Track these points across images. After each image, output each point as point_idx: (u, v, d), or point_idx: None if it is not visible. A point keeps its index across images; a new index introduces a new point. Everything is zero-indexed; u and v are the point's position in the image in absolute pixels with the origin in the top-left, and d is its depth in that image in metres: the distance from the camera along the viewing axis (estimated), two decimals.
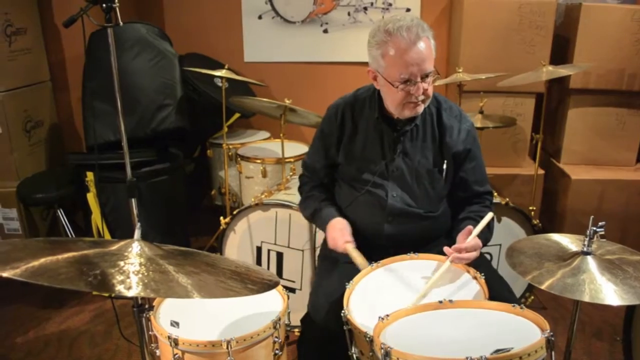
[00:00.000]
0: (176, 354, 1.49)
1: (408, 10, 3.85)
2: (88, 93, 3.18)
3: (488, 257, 2.61)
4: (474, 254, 1.66)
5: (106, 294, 3.08)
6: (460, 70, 2.94)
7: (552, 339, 1.09)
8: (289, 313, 1.70)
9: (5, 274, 0.90)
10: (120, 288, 0.95)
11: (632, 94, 3.45)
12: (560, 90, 3.62)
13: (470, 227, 1.70)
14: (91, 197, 3.04)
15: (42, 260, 0.97)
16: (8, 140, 3.18)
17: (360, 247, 1.83)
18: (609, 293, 1.29)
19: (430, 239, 1.87)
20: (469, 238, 1.67)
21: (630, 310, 2.20)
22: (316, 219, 1.98)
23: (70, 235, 3.14)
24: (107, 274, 0.98)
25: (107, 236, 3.06)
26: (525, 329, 1.17)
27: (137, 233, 1.13)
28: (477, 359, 1.00)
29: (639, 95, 3.45)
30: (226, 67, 3.06)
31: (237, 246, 2.66)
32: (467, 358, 1.00)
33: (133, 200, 2.04)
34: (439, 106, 1.87)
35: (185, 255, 1.16)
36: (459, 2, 3.53)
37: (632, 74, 3.39)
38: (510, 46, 3.36)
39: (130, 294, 0.94)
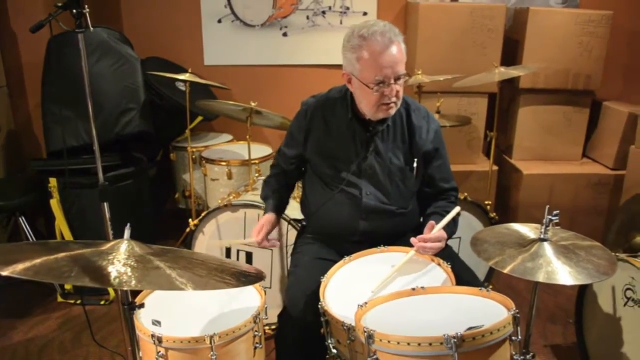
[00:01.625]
0: (159, 351, 1.53)
1: (365, 13, 3.97)
2: (48, 99, 3.15)
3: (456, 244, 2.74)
4: (438, 245, 1.77)
5: (72, 301, 3.06)
6: (420, 72, 3.06)
7: (518, 315, 1.20)
8: (265, 308, 1.76)
9: (5, 273, 0.93)
10: (123, 283, 0.99)
11: (577, 93, 3.66)
12: (511, 90, 3.81)
13: (432, 222, 1.82)
14: (54, 203, 3.01)
15: (42, 259, 1.00)
16: None
17: (335, 242, 1.94)
18: (564, 274, 1.41)
19: (401, 233, 1.96)
20: (434, 230, 1.77)
21: (581, 293, 2.36)
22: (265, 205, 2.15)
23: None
24: (104, 269, 1.02)
25: (70, 238, 3.03)
26: (493, 309, 1.28)
27: (126, 233, 1.17)
28: (453, 336, 1.10)
29: (583, 93, 3.67)
30: (189, 70, 3.09)
31: (206, 248, 2.69)
32: (444, 335, 1.10)
33: (105, 204, 2.06)
34: (408, 107, 1.97)
35: (174, 253, 1.21)
36: (414, 7, 3.67)
37: (576, 74, 3.60)
38: (463, 49, 3.51)
39: (130, 286, 0.99)
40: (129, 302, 1.21)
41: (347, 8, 3.94)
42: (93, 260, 1.04)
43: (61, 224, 3.04)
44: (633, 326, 2.07)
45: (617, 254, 2.15)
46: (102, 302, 3.06)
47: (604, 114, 3.79)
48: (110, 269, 1.03)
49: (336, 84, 2.06)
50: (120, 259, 1.08)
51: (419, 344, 1.14)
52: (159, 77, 3.27)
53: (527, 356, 1.64)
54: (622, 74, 3.94)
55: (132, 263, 1.07)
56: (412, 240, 1.78)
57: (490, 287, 2.96)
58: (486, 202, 3.25)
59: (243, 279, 1.19)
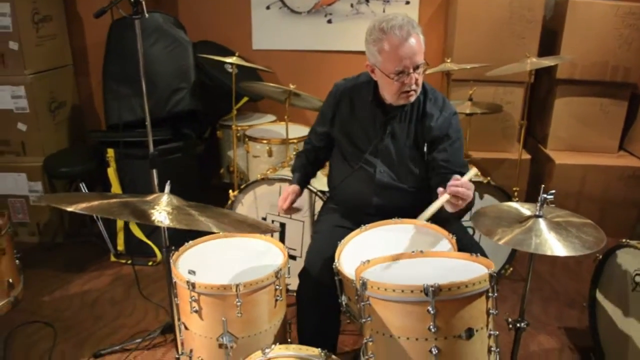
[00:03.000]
0: (193, 296, 1.77)
1: (407, 2, 4.08)
2: (108, 77, 3.46)
3: (470, 231, 2.87)
4: (469, 192, 1.74)
5: (123, 261, 3.38)
6: (449, 61, 3.18)
7: (494, 274, 1.36)
8: (289, 268, 1.97)
9: (70, 209, 1.18)
10: (158, 219, 1.23)
11: (614, 85, 3.69)
12: (548, 80, 3.86)
13: (457, 175, 1.79)
14: (111, 172, 3.32)
15: (98, 202, 1.25)
16: (35, 119, 3.46)
17: (353, 214, 2.13)
18: (555, 246, 1.56)
19: (412, 209, 2.11)
20: (464, 178, 1.77)
21: (595, 278, 2.46)
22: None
23: None
24: (147, 211, 1.27)
25: None
26: (478, 271, 1.44)
27: (167, 188, 1.41)
28: (431, 285, 1.28)
29: (622, 86, 3.69)
30: (237, 54, 3.32)
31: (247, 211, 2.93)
32: (424, 284, 1.28)
33: (154, 170, 2.32)
34: (425, 95, 2.11)
35: (205, 207, 1.44)
36: None
37: (614, 66, 3.63)
38: (501, 39, 3.59)
39: (166, 224, 1.23)
40: (167, 246, 1.45)
41: None
42: (139, 205, 1.29)
43: (116, 191, 3.35)
44: (638, 311, 2.16)
45: (627, 240, 2.26)
46: (150, 264, 3.36)
47: None
48: (152, 211, 1.28)
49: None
50: (160, 206, 1.32)
51: (402, 291, 1.32)
52: (208, 60, 3.52)
53: (522, 324, 1.80)
54: None
55: (170, 209, 1.30)
56: (441, 189, 1.77)
57: (511, 269, 3.12)
58: (514, 189, 3.36)
59: (256, 228, 1.41)
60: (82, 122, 4.02)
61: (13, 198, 3.54)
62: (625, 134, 3.88)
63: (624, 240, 2.28)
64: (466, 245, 1.91)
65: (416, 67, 1.95)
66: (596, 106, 3.77)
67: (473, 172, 1.91)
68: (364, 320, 1.43)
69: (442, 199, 1.72)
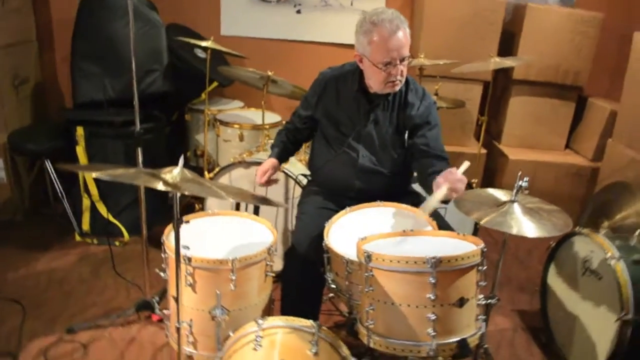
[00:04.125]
0: (188, 270, 1.83)
1: None
2: (77, 55, 3.40)
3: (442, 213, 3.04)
4: (463, 185, 1.83)
5: (89, 240, 3.36)
6: (422, 56, 3.34)
7: (485, 250, 1.52)
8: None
9: (95, 175, 1.24)
10: (176, 186, 1.33)
11: (565, 87, 3.96)
12: (504, 79, 4.10)
13: (452, 168, 1.90)
14: (80, 150, 3.28)
15: (120, 171, 1.31)
16: None
17: (335, 196, 2.24)
18: (528, 228, 1.73)
19: (392, 193, 2.25)
20: (458, 171, 1.87)
21: (547, 264, 2.68)
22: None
23: (57, 187, 3.38)
24: (167, 179, 1.36)
25: (93, 188, 3.31)
26: (467, 247, 1.59)
27: (181, 161, 1.47)
28: (432, 257, 1.41)
29: (571, 88, 3.97)
30: (212, 38, 3.35)
31: (218, 200, 2.98)
32: (426, 256, 1.42)
33: (139, 149, 2.35)
34: (407, 86, 2.25)
35: (212, 182, 1.52)
36: None
37: (566, 70, 3.90)
38: (464, 38, 3.79)
39: (182, 190, 1.35)
40: (179, 217, 1.51)
41: None
42: (156, 174, 1.37)
43: (89, 179, 3.30)
44: (586, 294, 2.38)
45: (580, 229, 2.47)
46: (117, 243, 3.35)
47: (588, 109, 4.09)
48: (167, 177, 1.38)
49: (344, 61, 2.36)
50: (174, 176, 1.41)
51: (407, 262, 1.45)
52: (180, 43, 3.52)
53: (493, 300, 1.97)
54: (608, 73, 4.21)
55: (182, 178, 1.40)
56: (439, 181, 1.85)
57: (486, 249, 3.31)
58: (472, 180, 3.56)
59: (255, 199, 1.54)
60: (44, 99, 3.92)
61: None
62: (571, 134, 4.17)
63: (577, 228, 2.50)
64: (442, 227, 2.06)
65: (402, 59, 2.08)
66: (547, 106, 4.04)
67: (466, 164, 1.97)
68: (366, 290, 1.55)
69: (442, 191, 1.81)
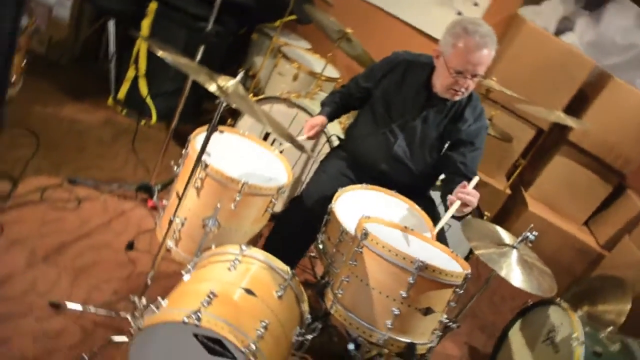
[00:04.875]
0: (201, 174, 1.91)
1: (475, 4, 4.14)
2: None
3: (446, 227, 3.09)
4: (475, 200, 1.93)
5: (119, 109, 3.44)
6: (494, 79, 3.32)
7: (469, 276, 1.58)
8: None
9: (159, 54, 1.30)
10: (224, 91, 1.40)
11: (610, 169, 3.94)
12: (558, 135, 4.07)
13: (464, 182, 2.00)
14: (145, 24, 3.33)
15: (184, 60, 1.37)
16: None
17: (357, 168, 2.31)
18: (516, 276, 1.78)
19: (411, 190, 2.29)
20: (469, 185, 1.98)
21: (514, 319, 2.73)
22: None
23: (111, 48, 3.44)
24: (221, 85, 1.42)
25: (143, 63, 3.38)
26: (455, 266, 1.66)
27: (240, 75, 1.53)
28: (422, 261, 1.48)
29: (616, 172, 3.96)
30: None
31: (251, 124, 3.04)
32: (416, 257, 1.48)
33: (202, 47, 2.40)
34: (468, 100, 2.26)
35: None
36: (520, 21, 3.89)
37: (619, 153, 3.86)
38: (541, 79, 3.76)
39: (228, 101, 1.44)
40: (214, 124, 1.57)
41: None
42: (214, 76, 1.44)
43: (142, 43, 3.37)
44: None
45: (561, 300, 2.52)
46: (143, 123, 3.44)
47: (622, 198, 4.07)
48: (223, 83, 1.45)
49: (419, 51, 2.37)
50: (229, 85, 1.47)
51: (397, 255, 1.52)
52: None
53: (454, 324, 2.03)
54: None
55: (235, 91, 1.46)
56: (452, 198, 1.95)
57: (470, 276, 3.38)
58: (485, 212, 3.59)
59: (288, 138, 1.65)
60: None
61: (39, 5, 3.49)
62: (595, 213, 4.16)
63: (558, 298, 2.55)
64: (439, 239, 2.11)
65: (474, 75, 2.09)
66: (585, 178, 4.02)
67: (476, 179, 2.06)
68: (350, 262, 1.62)
69: (454, 207, 1.90)
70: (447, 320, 1.75)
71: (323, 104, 2.50)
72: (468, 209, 1.91)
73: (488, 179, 4.03)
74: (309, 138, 2.37)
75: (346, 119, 3.11)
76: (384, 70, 2.33)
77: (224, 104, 1.52)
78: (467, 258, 3.29)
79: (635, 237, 3.51)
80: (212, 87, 1.42)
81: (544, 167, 4.09)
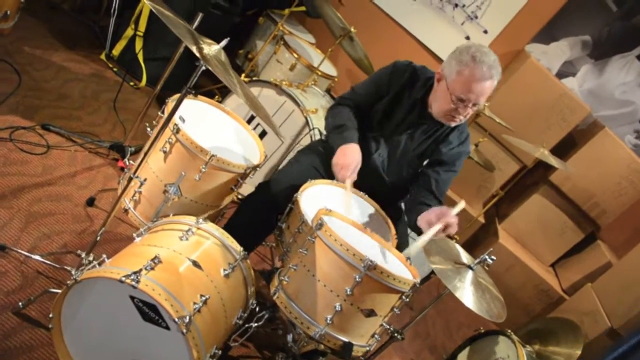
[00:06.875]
0: (171, 138, 1.87)
1: (485, 32, 4.14)
2: None
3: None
4: (456, 227, 1.90)
5: (111, 65, 3.39)
6: (487, 104, 3.32)
7: (417, 286, 1.55)
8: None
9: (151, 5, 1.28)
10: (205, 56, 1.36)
11: (585, 216, 3.94)
12: (540, 174, 4.07)
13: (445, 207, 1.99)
14: None
15: (172, 16, 1.34)
16: None
17: (330, 167, 2.19)
18: (467, 296, 1.76)
19: (382, 198, 2.25)
20: (452, 212, 1.93)
21: (468, 342, 2.72)
22: (338, 131, 2.16)
23: (114, 3, 3.38)
24: (203, 48, 1.39)
25: (144, 24, 3.33)
26: (405, 273, 1.63)
27: (224, 42, 1.50)
28: (371, 260, 1.45)
29: (590, 221, 3.95)
30: None
31: (237, 104, 3.00)
32: (367, 255, 1.46)
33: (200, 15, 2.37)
34: (457, 125, 2.21)
35: (241, 79, 1.55)
36: (524, 56, 3.90)
37: (596, 203, 3.87)
38: (533, 115, 3.77)
39: (211, 67, 1.38)
40: (190, 89, 1.54)
41: (476, 16, 4.13)
42: (198, 38, 1.41)
43: (145, 12, 3.32)
44: None
45: (510, 332, 2.52)
46: (132, 84, 3.39)
47: (591, 248, 4.07)
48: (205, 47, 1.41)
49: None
50: (212, 49, 1.44)
51: (347, 250, 1.49)
52: None
53: (399, 335, 2.01)
54: (629, 232, 4.15)
55: (216, 56, 1.43)
56: (431, 219, 1.90)
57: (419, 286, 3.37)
58: (455, 236, 3.58)
59: (266, 120, 1.62)
60: None
61: None
62: (563, 257, 4.17)
63: (508, 330, 2.54)
64: (401, 244, 2.09)
65: (474, 104, 2.06)
66: (560, 222, 4.00)
67: (461, 205, 2.02)
68: (300, 250, 1.59)
69: (434, 229, 1.83)
70: (391, 330, 1.73)
71: (340, 126, 2.19)
72: (446, 233, 1.88)
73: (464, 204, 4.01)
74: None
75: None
76: (388, 77, 2.24)
77: (202, 68, 1.48)
78: (427, 278, 3.28)
79: (598, 286, 3.53)
80: (193, 48, 1.39)
81: (522, 202, 4.09)
